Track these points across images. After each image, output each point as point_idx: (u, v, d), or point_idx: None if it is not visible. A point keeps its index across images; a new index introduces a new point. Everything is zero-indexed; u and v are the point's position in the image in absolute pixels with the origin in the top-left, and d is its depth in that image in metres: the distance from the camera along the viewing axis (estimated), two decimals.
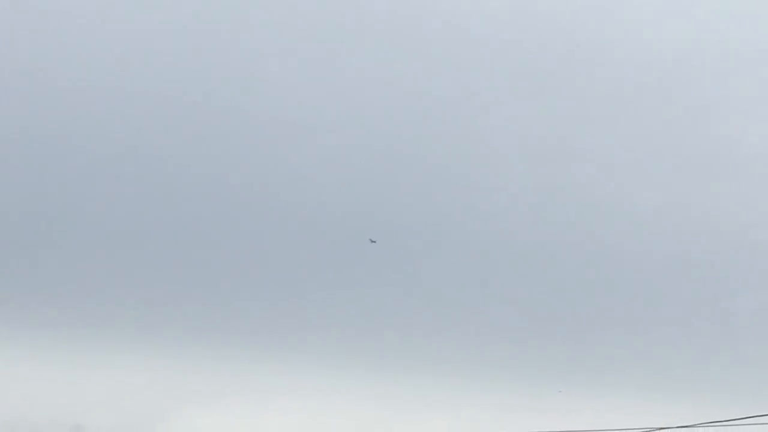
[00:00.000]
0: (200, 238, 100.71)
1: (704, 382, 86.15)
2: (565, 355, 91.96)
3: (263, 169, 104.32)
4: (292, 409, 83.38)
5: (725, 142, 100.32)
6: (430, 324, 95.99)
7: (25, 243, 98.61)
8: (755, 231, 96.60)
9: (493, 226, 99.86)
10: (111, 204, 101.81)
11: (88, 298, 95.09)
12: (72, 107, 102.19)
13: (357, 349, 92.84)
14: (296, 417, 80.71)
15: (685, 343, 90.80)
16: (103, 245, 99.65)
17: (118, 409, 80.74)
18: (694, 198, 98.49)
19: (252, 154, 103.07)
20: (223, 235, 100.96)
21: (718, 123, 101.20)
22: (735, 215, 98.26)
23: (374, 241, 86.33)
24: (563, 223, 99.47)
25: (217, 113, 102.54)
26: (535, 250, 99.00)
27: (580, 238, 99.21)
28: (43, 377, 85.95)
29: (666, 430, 31.96)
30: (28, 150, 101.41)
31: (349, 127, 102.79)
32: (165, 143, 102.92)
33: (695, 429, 32.85)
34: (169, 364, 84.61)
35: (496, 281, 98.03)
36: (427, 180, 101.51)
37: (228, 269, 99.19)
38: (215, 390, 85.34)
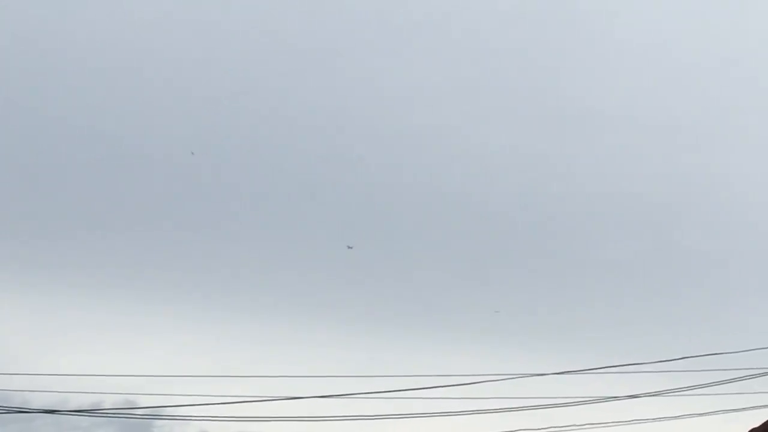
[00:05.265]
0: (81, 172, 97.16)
1: (581, 330, 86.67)
2: (442, 300, 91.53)
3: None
4: (175, 346, 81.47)
5: (587, 95, 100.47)
6: (289, 264, 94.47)
7: None
8: (620, 183, 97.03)
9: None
10: None
11: None
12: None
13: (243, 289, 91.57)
14: (165, 357, 78.99)
15: (558, 293, 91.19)
16: None
17: None
18: (560, 150, 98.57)
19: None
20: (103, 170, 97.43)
21: (582, 80, 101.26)
22: (598, 167, 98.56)
23: (351, 247, 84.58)
24: (416, 167, 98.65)
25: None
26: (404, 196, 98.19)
27: (441, 183, 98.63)
28: None
29: (543, 376, 31.50)
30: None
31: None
32: None
33: (571, 375, 32.55)
34: (41, 300, 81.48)
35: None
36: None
37: (108, 192, 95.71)
38: (92, 327, 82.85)
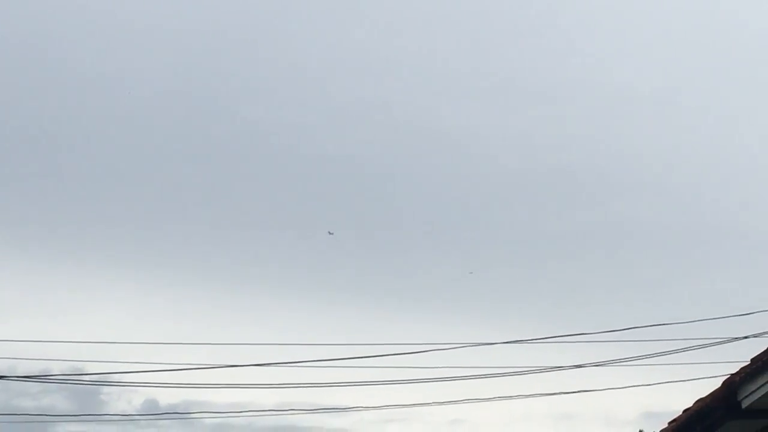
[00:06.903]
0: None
1: (530, 300, 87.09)
2: (378, 272, 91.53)
3: None
4: (125, 312, 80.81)
5: (540, 67, 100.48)
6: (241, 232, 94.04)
7: None
8: (569, 155, 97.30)
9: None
10: None
11: None
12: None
13: (172, 254, 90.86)
14: (114, 324, 78.34)
15: (505, 263, 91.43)
16: None
17: None
18: (505, 121, 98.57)
19: None
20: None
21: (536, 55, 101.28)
22: (545, 139, 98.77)
23: (332, 233, 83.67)
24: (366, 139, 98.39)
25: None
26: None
27: (397, 154, 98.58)
28: None
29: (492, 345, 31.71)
30: None
31: None
32: None
33: (519, 345, 32.91)
34: None
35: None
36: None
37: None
38: (39, 292, 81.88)
